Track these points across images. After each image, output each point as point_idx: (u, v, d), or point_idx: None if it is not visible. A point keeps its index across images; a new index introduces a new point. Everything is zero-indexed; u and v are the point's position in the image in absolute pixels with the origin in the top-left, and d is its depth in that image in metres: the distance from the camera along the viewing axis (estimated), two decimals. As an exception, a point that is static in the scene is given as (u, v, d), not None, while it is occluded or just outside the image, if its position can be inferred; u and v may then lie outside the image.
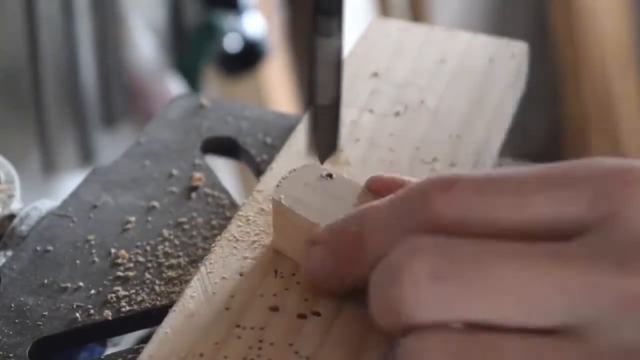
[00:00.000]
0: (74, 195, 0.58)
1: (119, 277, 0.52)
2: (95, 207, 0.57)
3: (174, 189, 0.58)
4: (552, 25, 2.31)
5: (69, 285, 0.52)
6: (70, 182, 1.25)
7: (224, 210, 0.56)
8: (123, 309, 0.50)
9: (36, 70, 1.35)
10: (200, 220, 0.56)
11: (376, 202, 0.44)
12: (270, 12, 1.74)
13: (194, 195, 0.58)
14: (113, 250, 0.54)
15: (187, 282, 0.50)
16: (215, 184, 0.58)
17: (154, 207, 0.57)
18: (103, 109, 1.50)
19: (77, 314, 0.50)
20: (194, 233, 0.55)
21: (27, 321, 0.50)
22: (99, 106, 1.49)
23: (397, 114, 0.58)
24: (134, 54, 1.51)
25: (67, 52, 1.41)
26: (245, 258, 0.48)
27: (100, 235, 0.55)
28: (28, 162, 1.40)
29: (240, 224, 0.50)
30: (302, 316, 0.45)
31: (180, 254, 0.53)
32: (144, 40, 1.53)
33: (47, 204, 0.58)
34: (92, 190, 0.58)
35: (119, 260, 0.53)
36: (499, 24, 2.32)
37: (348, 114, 0.57)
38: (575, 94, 2.30)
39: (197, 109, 0.64)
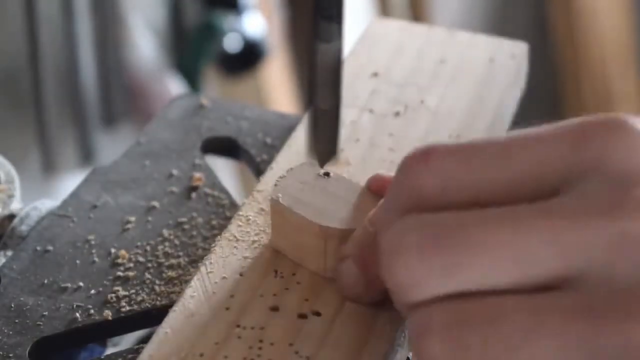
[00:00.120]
0: (74, 195, 0.58)
1: (119, 277, 0.52)
2: (95, 207, 0.57)
3: (174, 189, 0.58)
4: (552, 25, 2.31)
5: (69, 285, 0.52)
6: (70, 182, 1.25)
7: (224, 210, 0.56)
8: (123, 309, 0.50)
9: (36, 70, 1.35)
10: (200, 220, 0.56)
11: (381, 200, 0.44)
12: (270, 12, 1.74)
13: (194, 195, 0.58)
14: (113, 250, 0.54)
15: (187, 282, 0.50)
16: (215, 184, 0.58)
17: (154, 207, 0.57)
18: (103, 109, 1.50)
19: (77, 314, 0.50)
20: (194, 233, 0.55)
21: (27, 321, 0.50)
22: (99, 106, 1.49)
23: (397, 114, 0.58)
24: (134, 54, 1.51)
25: (67, 52, 1.41)
26: (246, 258, 0.48)
27: (100, 235, 0.55)
28: (28, 162, 1.40)
29: (240, 223, 0.50)
30: (302, 316, 0.45)
31: (180, 254, 0.53)
32: (144, 40, 1.53)
33: (47, 204, 0.58)
34: (92, 190, 0.58)
35: (119, 260, 0.53)
36: (499, 24, 2.32)
37: (348, 114, 0.57)
38: (575, 94, 2.30)
39: (197, 109, 0.64)
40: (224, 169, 1.45)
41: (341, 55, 0.46)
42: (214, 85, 1.73)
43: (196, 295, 0.46)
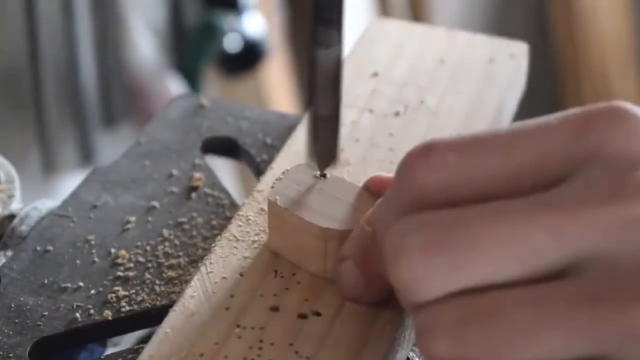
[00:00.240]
0: (74, 195, 0.58)
1: (119, 277, 0.52)
2: (95, 207, 0.57)
3: (174, 189, 0.58)
4: (552, 25, 2.31)
5: (69, 285, 0.52)
6: (70, 182, 1.26)
7: (224, 210, 0.56)
8: (123, 309, 0.50)
9: (36, 70, 1.35)
10: (200, 220, 0.56)
11: (379, 199, 0.44)
12: (270, 12, 1.74)
13: (194, 195, 0.57)
14: (113, 250, 0.54)
15: (187, 282, 0.50)
16: (215, 184, 0.58)
17: (154, 207, 0.57)
18: (103, 109, 1.50)
19: (77, 314, 0.50)
20: (194, 233, 0.55)
21: (27, 321, 0.50)
22: (99, 106, 1.49)
23: (397, 114, 0.58)
24: (134, 54, 1.51)
25: (67, 52, 1.41)
26: (246, 258, 0.48)
27: (100, 235, 0.55)
28: (28, 162, 1.40)
29: (240, 223, 0.50)
30: (302, 316, 0.45)
31: (180, 254, 0.53)
32: (144, 40, 1.53)
33: (47, 204, 0.58)
34: (92, 190, 0.58)
35: (119, 260, 0.53)
36: (499, 24, 2.33)
37: (348, 114, 0.57)
38: (575, 94, 2.30)
39: (197, 109, 0.64)
40: (224, 169, 1.45)
41: (341, 60, 0.46)
42: (214, 85, 1.73)
43: (196, 295, 0.46)
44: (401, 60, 0.63)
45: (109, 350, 0.55)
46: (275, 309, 0.45)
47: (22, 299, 0.51)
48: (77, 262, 0.53)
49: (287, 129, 0.61)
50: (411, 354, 0.48)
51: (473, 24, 2.22)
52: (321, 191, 0.48)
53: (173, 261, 0.53)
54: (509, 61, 0.63)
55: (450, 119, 0.58)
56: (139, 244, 0.54)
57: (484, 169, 0.39)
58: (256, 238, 0.49)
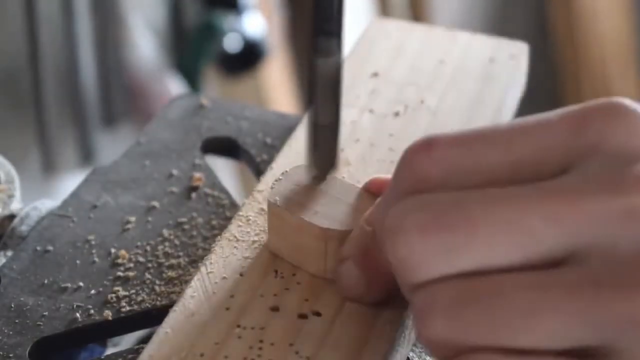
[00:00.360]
0: (74, 195, 0.58)
1: (119, 277, 0.52)
2: (95, 207, 0.57)
3: (174, 189, 0.58)
4: (552, 25, 2.31)
5: (69, 285, 0.52)
6: (70, 182, 1.26)
7: (224, 210, 0.56)
8: (123, 309, 0.50)
9: (36, 70, 1.35)
10: (200, 220, 0.56)
11: (379, 199, 0.44)
12: (270, 12, 1.74)
13: (194, 195, 0.57)
14: (113, 250, 0.54)
15: (187, 282, 0.50)
16: (215, 184, 0.58)
17: (154, 207, 0.57)
18: (103, 109, 1.50)
19: (77, 314, 0.50)
20: (194, 233, 0.55)
21: (27, 321, 0.50)
22: (99, 106, 1.49)
23: (397, 114, 0.58)
24: (134, 54, 1.51)
25: (67, 52, 1.41)
26: (246, 258, 0.48)
27: (100, 235, 0.55)
28: (28, 162, 1.40)
29: (240, 224, 0.50)
30: (302, 316, 0.45)
31: (181, 254, 0.53)
32: (144, 40, 1.53)
33: (47, 204, 0.58)
34: (92, 190, 0.58)
35: (119, 260, 0.53)
36: (499, 24, 2.32)
37: (348, 114, 0.57)
38: (575, 94, 2.30)
39: (197, 109, 0.64)
40: (224, 169, 1.45)
41: (341, 69, 0.46)
42: (214, 85, 1.73)
43: (196, 295, 0.46)
44: (401, 60, 0.63)
45: (109, 351, 0.55)
46: (275, 309, 0.45)
47: (22, 299, 0.51)
48: (77, 262, 0.53)
49: (287, 129, 0.61)
50: (411, 354, 0.48)
51: (473, 24, 2.22)
52: (321, 192, 0.48)
53: (173, 261, 0.53)
54: (509, 61, 0.63)
55: (450, 119, 0.58)
56: (139, 244, 0.54)
57: (484, 163, 0.39)
58: (256, 238, 0.49)
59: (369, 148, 0.55)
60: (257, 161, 0.60)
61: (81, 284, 0.52)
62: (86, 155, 1.46)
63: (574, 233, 0.36)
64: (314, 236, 0.46)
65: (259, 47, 1.61)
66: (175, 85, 1.54)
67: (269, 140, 0.62)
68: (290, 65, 1.84)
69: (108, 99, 1.49)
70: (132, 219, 0.56)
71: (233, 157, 0.63)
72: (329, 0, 0.44)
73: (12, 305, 0.50)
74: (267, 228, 0.49)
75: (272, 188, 0.48)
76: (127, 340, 0.56)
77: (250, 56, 1.61)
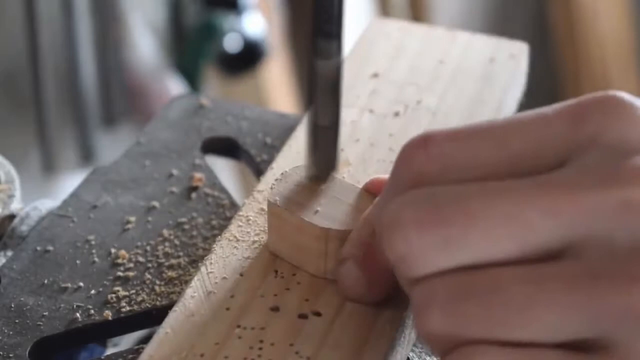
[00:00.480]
0: (74, 195, 0.58)
1: (119, 277, 0.52)
2: (95, 207, 0.57)
3: (174, 189, 0.58)
4: (552, 25, 2.31)
5: (69, 285, 0.52)
6: (70, 182, 1.25)
7: (224, 211, 0.56)
8: (123, 309, 0.50)
9: (36, 70, 1.35)
10: (200, 220, 0.56)
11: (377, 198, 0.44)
12: (270, 12, 1.74)
13: (194, 195, 0.57)
14: (113, 250, 0.54)
15: (187, 282, 0.50)
16: (215, 184, 0.58)
17: (154, 207, 0.57)
18: (103, 109, 1.50)
19: (77, 314, 0.50)
20: (194, 233, 0.55)
21: (27, 321, 0.50)
22: (99, 106, 1.49)
23: (396, 114, 0.58)
24: (134, 54, 1.51)
25: (67, 52, 1.41)
26: (246, 258, 0.48)
27: (100, 235, 0.55)
28: (28, 162, 1.40)
29: (240, 224, 0.50)
30: (302, 316, 0.45)
31: (181, 254, 0.53)
32: (144, 40, 1.53)
33: (47, 204, 0.58)
34: (92, 190, 0.58)
35: (119, 261, 0.53)
36: (499, 24, 2.33)
37: (348, 114, 0.57)
38: (575, 94, 2.29)
39: (197, 109, 0.64)
40: (224, 169, 1.45)
41: (341, 71, 0.46)
42: (214, 85, 1.73)
43: (196, 295, 0.46)
44: (401, 61, 0.63)
45: (109, 351, 0.55)
46: (275, 309, 0.45)
47: (22, 299, 0.51)
48: (77, 262, 0.53)
49: (287, 129, 0.61)
50: (411, 354, 0.48)
51: (473, 24, 2.22)
52: (321, 192, 0.48)
53: (173, 261, 0.53)
54: (509, 61, 0.63)
55: (450, 119, 0.58)
56: (139, 244, 0.54)
57: (481, 158, 0.39)
58: (256, 238, 0.49)
59: (369, 148, 0.55)
60: (257, 161, 0.60)
61: (81, 284, 0.52)
62: (86, 155, 1.46)
63: (571, 226, 0.37)
64: (314, 236, 0.46)
65: (259, 47, 1.61)
66: (175, 85, 1.54)
67: (269, 140, 0.62)
68: (290, 65, 1.84)
69: (108, 99, 1.49)
70: (132, 219, 0.56)
71: (233, 157, 0.63)
72: (329, 1, 0.44)
73: (12, 305, 0.50)
74: (267, 228, 0.49)
75: (271, 188, 0.48)
76: (127, 340, 0.56)
77: (250, 56, 1.61)
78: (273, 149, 0.60)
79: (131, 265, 0.53)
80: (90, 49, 1.45)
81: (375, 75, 0.62)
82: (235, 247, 0.49)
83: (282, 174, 0.49)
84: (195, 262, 0.53)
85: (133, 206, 0.57)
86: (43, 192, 1.34)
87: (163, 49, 1.61)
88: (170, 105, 0.65)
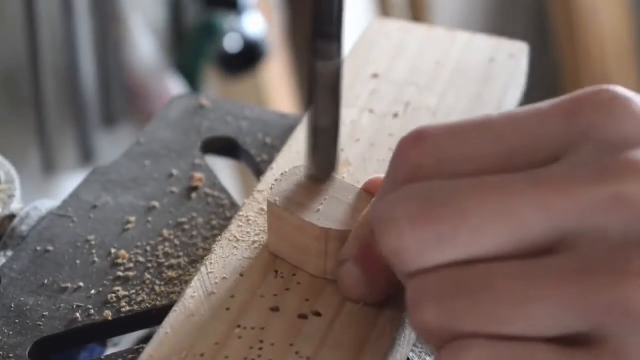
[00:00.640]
0: (74, 195, 0.58)
1: (119, 277, 0.52)
2: (95, 207, 0.57)
3: (174, 189, 0.58)
4: (552, 25, 2.31)
5: (69, 285, 0.52)
6: (70, 182, 1.26)
7: (224, 211, 0.56)
8: (123, 309, 0.50)
9: (36, 70, 1.35)
10: (200, 220, 0.56)
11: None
12: (270, 12, 1.74)
13: (194, 195, 0.57)
14: (113, 251, 0.54)
15: (187, 282, 0.50)
16: (215, 184, 0.58)
17: (154, 207, 0.57)
18: (103, 109, 1.50)
19: (78, 314, 0.50)
20: (194, 233, 0.55)
21: (27, 321, 0.50)
22: (99, 106, 1.49)
23: (396, 114, 0.58)
24: (134, 54, 1.51)
25: (67, 52, 1.41)
26: (246, 258, 0.48)
27: (100, 235, 0.55)
28: (28, 162, 1.40)
29: (240, 224, 0.50)
30: (302, 316, 0.45)
31: (181, 254, 0.53)
32: (144, 40, 1.53)
33: (47, 204, 0.58)
34: (92, 190, 0.58)
35: (119, 261, 0.53)
36: (499, 24, 2.33)
37: (348, 114, 0.57)
38: (575, 94, 2.29)
39: (197, 109, 0.64)
40: (224, 169, 1.45)
41: (341, 73, 0.46)
42: (214, 85, 1.73)
43: (196, 295, 0.46)
44: (401, 60, 0.63)
45: (109, 351, 0.55)
46: (275, 309, 0.45)
47: (22, 299, 0.51)
48: (77, 262, 0.53)
49: (287, 129, 0.61)
50: (411, 354, 0.48)
51: (473, 24, 2.22)
52: (321, 192, 0.48)
53: (173, 261, 0.53)
54: (509, 61, 0.63)
55: (450, 119, 0.58)
56: (139, 244, 0.54)
57: (476, 153, 0.39)
58: (256, 238, 0.49)
59: (369, 148, 0.55)
60: (257, 161, 0.60)
61: (81, 284, 0.52)
62: (86, 155, 1.46)
63: (563, 220, 0.37)
64: (314, 236, 0.46)
65: (259, 47, 1.61)
66: (175, 85, 1.54)
67: (269, 140, 0.62)
68: (290, 65, 1.84)
69: (108, 99, 1.49)
70: (132, 219, 0.56)
71: (233, 157, 0.63)
72: (329, 3, 0.44)
73: (12, 305, 0.50)
74: (267, 228, 0.49)
75: (271, 188, 0.48)
76: (127, 340, 0.56)
77: (250, 56, 1.61)
78: (273, 149, 0.60)
79: (131, 265, 0.53)
80: (90, 49, 1.45)
81: (375, 75, 0.62)
82: (235, 247, 0.49)
83: (282, 174, 0.49)
84: (195, 262, 0.53)
85: (133, 206, 0.57)
86: (43, 192, 1.34)
87: (163, 49, 1.61)
88: (170, 105, 0.65)
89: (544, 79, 2.26)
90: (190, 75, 1.61)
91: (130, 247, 0.54)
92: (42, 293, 0.51)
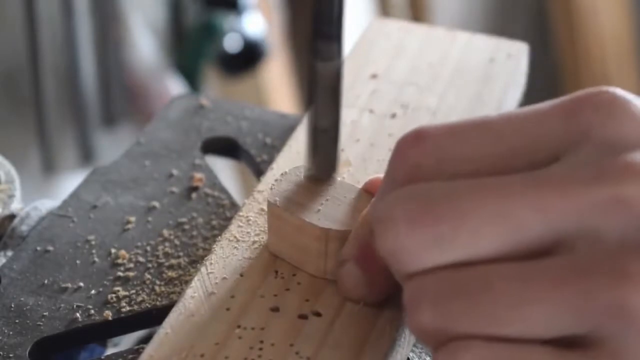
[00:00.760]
0: (74, 195, 0.58)
1: (119, 277, 0.52)
2: (95, 207, 0.57)
3: (174, 189, 0.58)
4: (552, 25, 2.31)
5: (69, 285, 0.52)
6: (70, 182, 1.26)
7: (224, 211, 0.56)
8: (123, 309, 0.50)
9: (36, 70, 1.35)
10: (200, 220, 0.56)
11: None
12: (270, 12, 1.74)
13: (194, 195, 0.57)
14: (113, 251, 0.54)
15: (187, 282, 0.50)
16: (215, 184, 0.58)
17: (154, 207, 0.57)
18: (103, 109, 1.50)
19: (78, 314, 0.50)
20: (194, 233, 0.55)
21: (27, 321, 0.50)
22: (99, 106, 1.49)
23: (396, 114, 0.58)
24: (134, 54, 1.51)
25: (67, 52, 1.41)
26: (246, 258, 0.48)
27: (100, 235, 0.55)
28: (28, 162, 1.40)
29: (240, 224, 0.50)
30: (302, 317, 0.45)
31: (181, 254, 0.53)
32: (144, 40, 1.53)
33: (47, 204, 0.58)
34: (92, 190, 0.58)
35: (119, 261, 0.53)
36: (499, 24, 2.32)
37: (348, 114, 0.57)
38: (575, 94, 2.29)
39: (197, 109, 0.64)
40: (224, 169, 1.45)
41: (341, 73, 0.46)
42: (214, 85, 1.73)
43: (196, 295, 0.46)
44: (401, 60, 0.63)
45: (109, 351, 0.55)
46: (275, 309, 0.45)
47: (22, 299, 0.51)
48: (77, 262, 0.53)
49: (287, 129, 0.61)
50: (411, 354, 0.48)
51: (473, 24, 2.22)
52: (321, 192, 0.48)
53: (173, 261, 0.53)
54: (509, 61, 0.63)
55: (450, 119, 0.58)
56: (139, 244, 0.54)
57: (475, 153, 0.39)
58: (256, 239, 0.49)
59: (369, 148, 0.55)
60: (257, 161, 0.60)
61: (81, 284, 0.52)
62: (86, 155, 1.46)
63: (561, 221, 0.37)
64: (314, 236, 0.46)
65: (259, 47, 1.61)
66: (175, 85, 1.54)
67: (269, 140, 0.62)
68: (290, 65, 1.84)
69: (108, 99, 1.49)
70: (132, 219, 0.56)
71: (233, 157, 0.63)
72: (329, 3, 0.44)
73: (12, 305, 0.50)
74: (267, 228, 0.49)
75: (271, 189, 0.48)
76: (127, 340, 0.56)
77: (250, 56, 1.61)
78: (273, 149, 0.60)
79: (131, 265, 0.53)
80: (90, 49, 1.45)
81: (375, 75, 0.62)
82: (235, 247, 0.49)
83: (282, 174, 0.49)
84: (195, 262, 0.53)
85: (133, 206, 0.57)
86: (43, 192, 1.34)
87: (163, 49, 1.61)
88: (170, 105, 0.65)
89: (544, 79, 2.26)
90: (190, 75, 1.61)
91: (130, 247, 0.54)
92: (42, 293, 0.51)
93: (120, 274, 0.52)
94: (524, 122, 0.39)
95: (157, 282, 0.52)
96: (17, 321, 0.50)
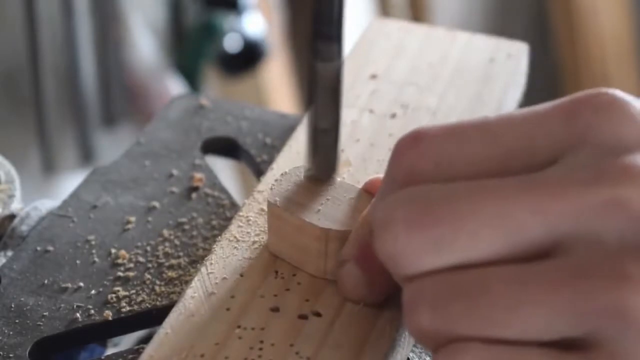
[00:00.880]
0: (74, 195, 0.58)
1: (119, 278, 0.52)
2: (95, 207, 0.57)
3: (174, 189, 0.58)
4: (552, 25, 2.31)
5: (69, 285, 0.52)
6: (70, 182, 1.26)
7: (224, 211, 0.56)
8: (123, 309, 0.50)
9: (36, 70, 1.35)
10: (200, 220, 0.56)
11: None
12: (270, 12, 1.74)
13: (194, 195, 0.57)
14: (113, 251, 0.54)
15: (187, 282, 0.50)
16: (215, 184, 0.58)
17: (154, 207, 0.57)
18: (103, 109, 1.50)
19: (78, 314, 0.50)
20: (194, 233, 0.55)
21: (27, 321, 0.50)
22: (99, 106, 1.49)
23: (396, 114, 0.58)
24: (134, 54, 1.51)
25: (67, 52, 1.41)
26: (246, 258, 0.48)
27: (100, 236, 0.55)
28: (28, 162, 1.40)
29: (240, 224, 0.50)
30: (302, 317, 0.45)
31: (181, 254, 0.53)
32: (144, 40, 1.53)
33: (47, 204, 0.58)
34: (92, 190, 0.58)
35: (119, 261, 0.53)
36: (499, 24, 2.33)
37: (348, 114, 0.57)
38: (575, 94, 2.29)
39: (197, 109, 0.64)
40: (224, 169, 1.45)
41: (341, 74, 0.46)
42: (214, 85, 1.73)
43: (197, 295, 0.46)
44: (401, 60, 0.63)
45: (109, 351, 0.55)
46: (275, 309, 0.45)
47: (22, 299, 0.51)
48: (77, 262, 0.53)
49: (287, 129, 0.61)
50: (411, 354, 0.48)
51: (473, 24, 2.22)
52: (321, 192, 0.48)
53: (173, 261, 0.53)
54: (509, 61, 0.63)
55: (450, 119, 0.58)
56: (139, 244, 0.54)
57: (474, 155, 0.39)
58: (256, 239, 0.49)
59: (369, 148, 0.55)
60: (257, 161, 0.60)
61: (81, 284, 0.52)
62: (86, 155, 1.46)
63: (559, 224, 0.37)
64: (314, 236, 0.46)
65: (259, 47, 1.61)
66: (175, 85, 1.54)
67: (269, 140, 0.62)
68: (290, 66, 1.84)
69: (108, 99, 1.49)
70: (132, 219, 0.56)
71: (233, 157, 0.63)
72: (329, 3, 0.44)
73: (12, 306, 0.50)
74: (267, 229, 0.49)
75: (271, 189, 0.48)
76: (127, 340, 0.56)
77: (250, 56, 1.61)
78: (273, 149, 0.60)
79: (131, 265, 0.53)
80: (90, 49, 1.45)
81: (375, 75, 0.62)
82: (235, 247, 0.49)
83: (282, 174, 0.49)
84: (196, 262, 0.53)
85: (133, 206, 0.57)
86: (43, 192, 1.34)
87: (163, 49, 1.61)
88: (170, 105, 0.65)
89: (544, 79, 2.26)
90: (190, 75, 1.61)
91: (130, 247, 0.54)
92: (42, 293, 0.51)
93: (120, 274, 0.52)
94: (523, 124, 0.39)
95: (157, 282, 0.52)
96: (17, 321, 0.50)
